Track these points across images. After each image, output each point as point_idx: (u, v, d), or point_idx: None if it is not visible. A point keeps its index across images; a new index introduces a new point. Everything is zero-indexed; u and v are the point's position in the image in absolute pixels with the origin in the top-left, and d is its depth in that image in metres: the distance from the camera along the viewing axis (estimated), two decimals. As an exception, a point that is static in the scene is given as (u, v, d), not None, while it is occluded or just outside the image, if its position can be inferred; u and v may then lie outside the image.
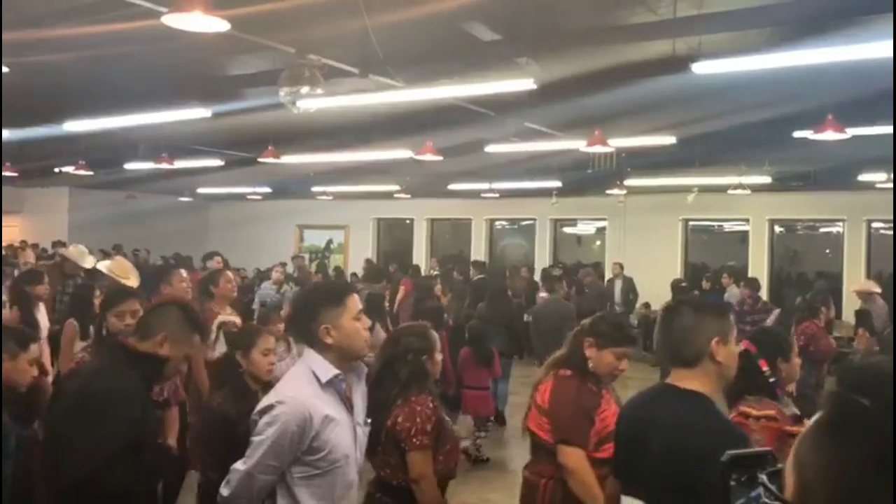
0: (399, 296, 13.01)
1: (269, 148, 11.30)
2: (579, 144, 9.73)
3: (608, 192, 14.85)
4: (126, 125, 9.52)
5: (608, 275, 15.80)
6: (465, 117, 8.94)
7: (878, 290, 9.95)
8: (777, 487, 1.01)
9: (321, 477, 2.61)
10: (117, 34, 5.91)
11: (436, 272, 15.07)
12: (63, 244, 15.50)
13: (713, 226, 18.35)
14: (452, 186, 16.45)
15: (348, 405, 2.73)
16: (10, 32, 5.76)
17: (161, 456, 3.34)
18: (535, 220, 18.67)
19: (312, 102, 6.35)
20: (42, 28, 5.95)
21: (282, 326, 5.37)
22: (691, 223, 17.24)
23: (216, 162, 13.83)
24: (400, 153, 11.12)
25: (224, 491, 2.65)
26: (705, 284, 13.44)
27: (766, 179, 12.76)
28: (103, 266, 6.50)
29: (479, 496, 6.23)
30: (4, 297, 5.00)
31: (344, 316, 2.68)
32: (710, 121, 9.00)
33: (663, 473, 2.35)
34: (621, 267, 14.96)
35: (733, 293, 12.98)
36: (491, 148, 10.99)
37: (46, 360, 5.32)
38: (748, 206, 15.07)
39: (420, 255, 19.44)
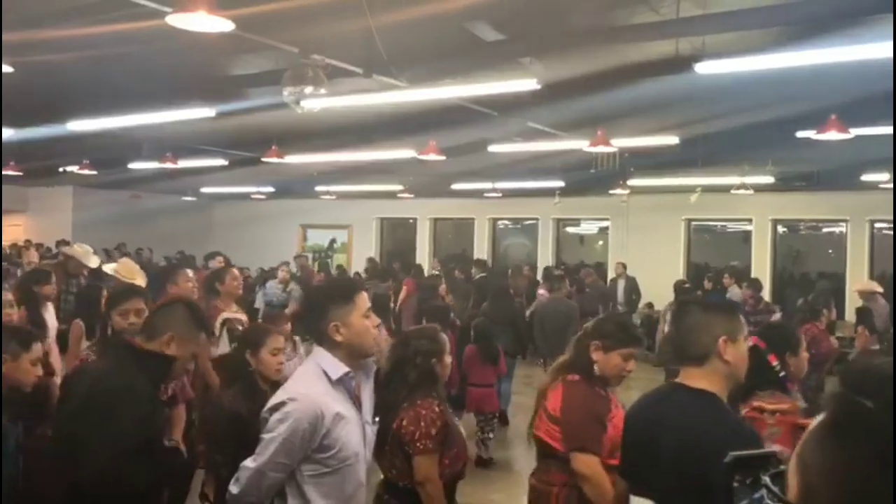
0: (401, 295, 13.01)
1: (273, 148, 11.31)
2: (582, 144, 9.73)
3: (611, 191, 14.86)
4: (130, 125, 9.54)
5: (611, 274, 15.78)
6: (468, 117, 8.95)
7: (880, 289, 9.95)
8: (780, 489, 1.01)
9: (331, 475, 2.60)
10: (122, 34, 5.92)
11: (437, 272, 15.07)
12: (67, 243, 15.52)
13: (716, 226, 18.34)
14: (455, 186, 16.46)
15: (357, 403, 2.73)
16: (16, 32, 5.77)
17: (170, 457, 3.35)
18: (537, 219, 18.66)
19: (316, 102, 6.35)
20: (47, 28, 5.96)
21: (288, 326, 5.37)
22: (694, 223, 17.23)
23: (220, 162, 13.84)
24: (403, 153, 11.13)
25: (233, 488, 2.64)
26: (707, 284, 13.43)
27: (769, 179, 12.74)
28: (109, 268, 6.51)
29: (483, 496, 6.24)
30: (7, 297, 5.00)
31: (353, 313, 2.68)
32: (713, 121, 9.00)
33: (673, 473, 2.34)
34: (624, 267, 14.95)
35: (735, 293, 12.97)
36: (494, 148, 10.99)
37: (56, 359, 5.33)
38: (751, 206, 15.05)
39: (423, 255, 19.45)
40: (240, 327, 5.47)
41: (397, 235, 21.41)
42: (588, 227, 19.70)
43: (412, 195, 17.54)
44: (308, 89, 5.98)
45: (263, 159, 11.75)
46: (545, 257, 18.22)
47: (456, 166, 12.75)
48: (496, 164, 12.76)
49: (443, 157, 10.31)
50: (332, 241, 21.80)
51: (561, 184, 14.88)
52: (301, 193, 19.24)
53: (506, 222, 20.14)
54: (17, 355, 3.36)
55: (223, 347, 5.34)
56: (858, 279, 12.82)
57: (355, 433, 2.67)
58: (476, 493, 6.09)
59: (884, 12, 4.78)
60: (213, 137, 11.79)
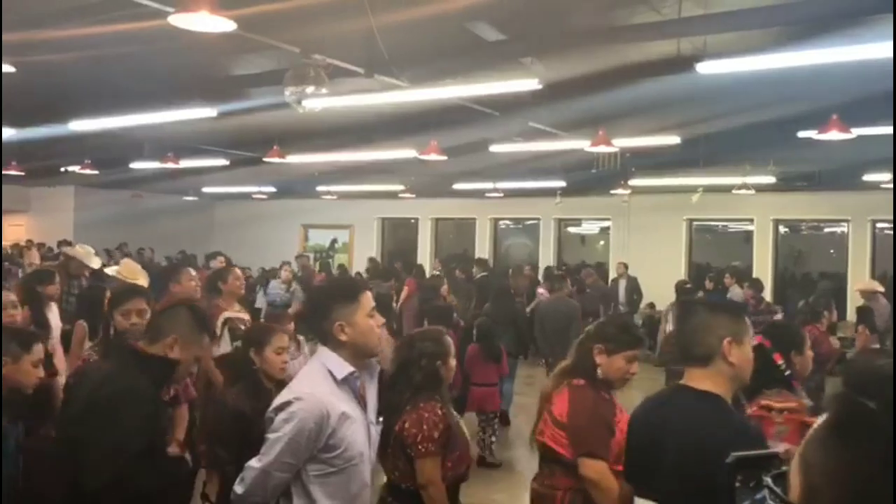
0: (403, 296, 13.00)
1: (275, 147, 11.31)
2: (583, 144, 9.73)
3: (612, 191, 14.85)
4: (131, 125, 9.55)
5: (612, 275, 15.78)
6: (469, 117, 8.95)
7: (881, 289, 9.97)
8: (783, 489, 1.01)
9: (336, 475, 2.60)
10: (124, 34, 5.93)
11: (438, 271, 15.07)
12: (69, 243, 15.53)
13: (717, 226, 18.34)
14: (457, 186, 16.46)
15: (362, 403, 2.72)
16: (18, 32, 5.78)
17: (175, 467, 3.35)
18: (539, 219, 18.66)
19: (317, 102, 6.35)
20: (49, 28, 5.97)
21: (292, 326, 5.36)
22: (695, 223, 17.22)
23: (221, 161, 13.85)
24: (404, 153, 11.14)
25: (238, 488, 2.63)
26: (708, 284, 13.43)
27: (771, 179, 12.74)
28: (111, 271, 6.51)
29: (485, 496, 6.23)
30: (10, 297, 5.00)
31: (358, 313, 2.67)
32: (714, 121, 9.00)
33: (678, 475, 2.34)
34: (625, 267, 14.94)
35: (736, 293, 12.97)
36: (495, 148, 10.99)
37: (60, 359, 5.32)
38: (752, 206, 15.04)
39: (424, 255, 19.45)
40: (242, 327, 5.47)
41: (398, 235, 21.42)
42: (589, 227, 19.70)
43: (413, 195, 17.55)
44: (309, 89, 5.99)
45: (265, 159, 11.75)
46: (546, 257, 18.22)
47: (457, 166, 12.75)
48: (497, 164, 12.77)
49: (444, 157, 10.31)
50: (334, 241, 21.80)
51: (562, 184, 14.88)
52: (302, 193, 19.24)
53: (507, 222, 20.14)
54: (18, 357, 3.35)
55: (225, 347, 5.34)
56: (860, 279, 12.82)
57: (360, 433, 2.66)
58: (478, 494, 6.07)
59: (884, 12, 4.77)
60: (215, 137, 11.80)
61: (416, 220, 20.17)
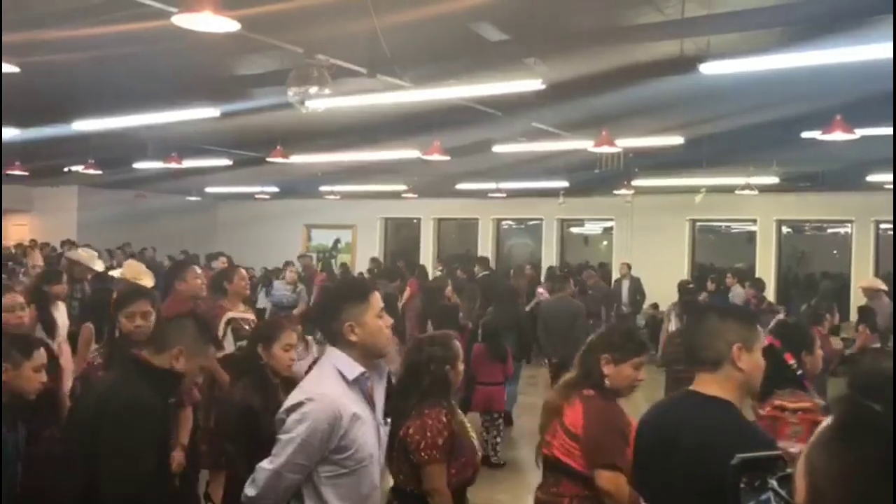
0: (405, 296, 12.97)
1: (278, 148, 11.32)
2: (587, 144, 9.72)
3: (615, 192, 14.83)
4: (135, 125, 9.56)
5: (615, 275, 15.77)
6: (472, 117, 8.94)
7: (884, 287, 9.96)
8: (787, 492, 1.01)
9: (348, 476, 2.59)
10: (127, 34, 5.93)
11: (440, 271, 15.04)
12: (72, 243, 15.58)
13: (720, 226, 18.32)
14: (460, 186, 16.45)
15: (371, 404, 2.71)
16: (23, 32, 5.79)
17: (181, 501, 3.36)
18: (542, 220, 18.65)
19: (321, 102, 6.36)
20: (53, 28, 5.98)
21: (299, 328, 5.36)
22: (699, 223, 17.20)
23: (225, 161, 13.86)
24: (407, 153, 11.14)
25: (250, 491, 2.60)
26: (710, 285, 13.41)
27: (774, 180, 12.72)
28: (116, 273, 6.52)
29: (489, 497, 6.23)
30: (18, 299, 5.00)
31: (368, 313, 2.67)
32: (717, 121, 8.98)
33: (687, 480, 2.32)
34: (629, 267, 14.93)
35: (738, 293, 12.96)
36: (498, 148, 10.99)
37: (68, 359, 5.33)
38: (756, 206, 15.03)
39: (427, 255, 19.46)
40: (247, 327, 5.48)
41: (401, 235, 21.42)
42: (592, 228, 19.68)
43: (416, 195, 17.55)
44: (313, 89, 5.98)
45: (268, 159, 11.76)
46: (549, 258, 18.21)
47: (460, 166, 12.75)
48: (500, 164, 12.75)
49: (447, 158, 10.31)
50: (337, 241, 21.82)
51: (565, 184, 14.87)
52: (305, 193, 19.25)
53: (510, 222, 20.13)
54: (19, 364, 3.34)
55: (228, 347, 5.34)
56: (863, 280, 12.79)
57: (371, 434, 2.66)
58: (481, 494, 6.06)
59: (888, 12, 4.76)
60: (218, 137, 11.81)
61: (419, 220, 20.18)
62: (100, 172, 14.68)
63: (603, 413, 3.21)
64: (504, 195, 16.97)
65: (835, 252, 17.08)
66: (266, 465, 2.58)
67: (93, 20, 5.80)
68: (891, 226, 14.86)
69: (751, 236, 16.64)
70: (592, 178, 12.91)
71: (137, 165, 14.02)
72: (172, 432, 3.71)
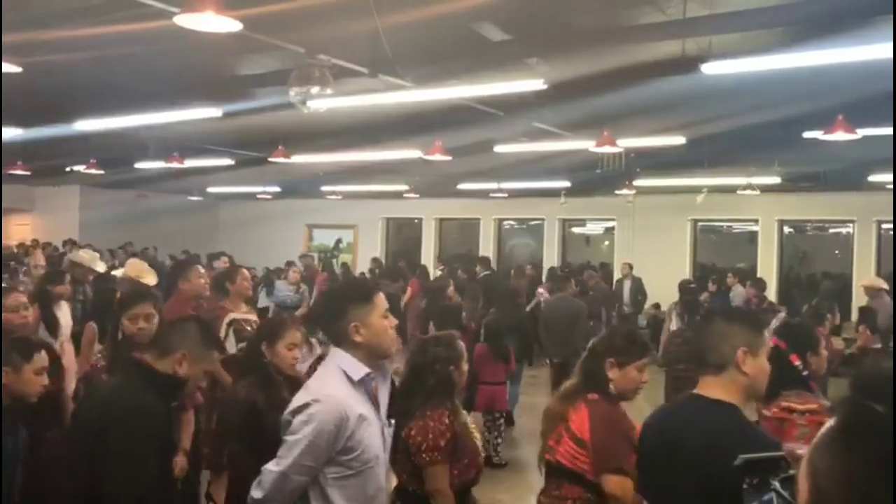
0: (406, 296, 12.97)
1: (279, 148, 11.32)
2: (588, 144, 9.72)
3: (617, 192, 14.82)
4: (136, 125, 9.56)
5: (617, 275, 15.77)
6: (474, 117, 8.94)
7: (885, 286, 9.94)
8: (790, 493, 1.01)
9: (354, 477, 2.58)
10: (129, 34, 5.93)
11: (441, 271, 15.04)
12: (74, 242, 15.61)
13: (722, 226, 18.31)
14: (461, 186, 16.45)
15: (376, 404, 2.71)
16: (24, 33, 5.79)
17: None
18: (543, 220, 18.65)
19: (322, 102, 6.36)
20: (55, 28, 5.98)
21: (303, 329, 5.36)
22: (700, 223, 17.20)
23: (226, 161, 13.86)
24: (409, 153, 11.14)
25: (256, 493, 2.58)
26: (711, 285, 13.40)
27: (776, 180, 12.71)
28: (118, 273, 6.53)
29: (490, 496, 6.23)
30: (22, 300, 5.00)
31: (373, 314, 2.66)
32: (719, 121, 8.97)
33: (692, 483, 2.32)
34: (630, 267, 14.93)
35: (738, 293, 12.96)
36: (500, 148, 10.99)
37: (71, 359, 5.34)
38: (757, 206, 15.03)
39: (428, 255, 19.46)
40: (249, 328, 5.48)
41: (403, 235, 21.42)
42: (594, 228, 19.68)
43: (418, 195, 17.55)
44: (314, 89, 5.98)
45: (270, 159, 11.76)
46: (551, 258, 18.21)
47: (462, 166, 12.75)
48: (502, 164, 12.74)
49: (448, 158, 10.31)
50: (338, 241, 21.83)
51: (567, 184, 14.87)
52: (307, 193, 19.26)
53: (511, 223, 20.13)
54: (19, 367, 3.33)
55: (229, 348, 5.34)
56: (865, 279, 12.79)
57: (376, 435, 2.65)
58: (483, 494, 6.04)
59: (888, 13, 4.76)
60: (220, 137, 11.81)
61: (421, 220, 20.19)
62: (101, 172, 14.70)
63: (609, 417, 3.20)
64: (505, 195, 16.97)
65: (836, 252, 17.06)
66: (272, 466, 2.55)
67: (94, 20, 5.81)
68: (892, 226, 14.86)
69: (752, 236, 16.64)
70: (594, 178, 12.90)
71: (139, 165, 14.02)
72: (175, 436, 3.71)
